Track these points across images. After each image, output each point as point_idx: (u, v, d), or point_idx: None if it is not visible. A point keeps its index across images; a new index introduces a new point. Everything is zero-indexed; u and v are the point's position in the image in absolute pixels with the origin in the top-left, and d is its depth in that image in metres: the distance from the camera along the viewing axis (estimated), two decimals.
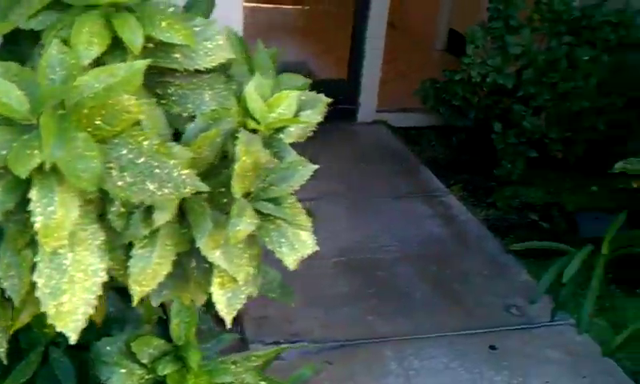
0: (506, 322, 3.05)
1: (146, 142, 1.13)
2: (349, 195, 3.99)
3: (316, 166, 1.40)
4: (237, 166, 1.24)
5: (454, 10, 6.47)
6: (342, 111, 5.04)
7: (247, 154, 1.25)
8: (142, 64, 1.13)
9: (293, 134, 1.48)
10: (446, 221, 3.82)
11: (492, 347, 2.88)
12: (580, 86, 3.79)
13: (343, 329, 2.88)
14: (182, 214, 1.27)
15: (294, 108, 1.46)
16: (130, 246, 1.21)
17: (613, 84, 3.91)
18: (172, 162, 1.13)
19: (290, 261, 1.32)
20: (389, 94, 5.23)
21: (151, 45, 1.28)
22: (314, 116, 1.53)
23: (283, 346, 2.71)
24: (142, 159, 1.12)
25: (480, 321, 3.03)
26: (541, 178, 4.31)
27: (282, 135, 1.46)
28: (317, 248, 1.38)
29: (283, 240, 1.32)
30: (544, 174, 4.35)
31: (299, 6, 8.29)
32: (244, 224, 1.23)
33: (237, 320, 2.81)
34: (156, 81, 1.32)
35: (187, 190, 1.13)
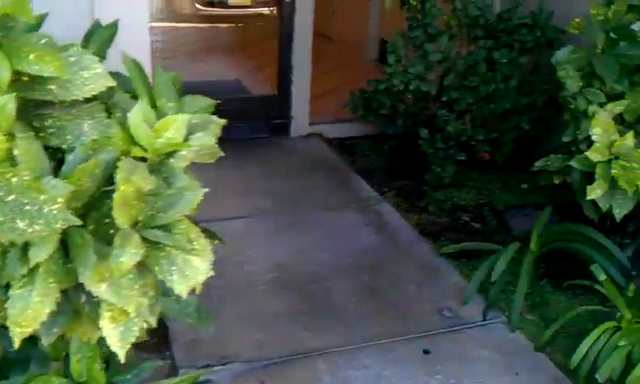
0: (439, 325, 3.08)
1: (15, 179, 1.11)
2: (282, 210, 3.99)
3: (205, 190, 1.38)
4: (116, 195, 1.22)
5: (382, 19, 6.55)
6: (275, 126, 5.05)
7: (127, 183, 1.23)
8: (5, 100, 1.11)
9: (185, 157, 1.46)
10: (380, 229, 3.85)
11: (426, 351, 2.90)
12: (501, 88, 3.87)
13: (277, 346, 2.86)
14: (66, 248, 1.24)
15: (184, 132, 1.44)
16: (9, 286, 1.18)
17: (533, 84, 4.02)
18: (42, 197, 1.10)
19: (182, 289, 1.31)
20: (324, 106, 5.27)
21: (26, 78, 1.26)
22: (207, 138, 1.52)
23: (215, 368, 2.70)
24: (12, 197, 1.10)
25: (413, 326, 3.06)
26: (472, 180, 4.39)
27: (172, 160, 1.44)
28: (211, 273, 1.37)
29: (174, 268, 1.30)
30: (475, 175, 4.43)
31: (233, 24, 8.30)
32: (128, 255, 1.21)
33: (166, 345, 2.78)
34: (33, 114, 1.29)
35: (59, 226, 1.10)
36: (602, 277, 2.88)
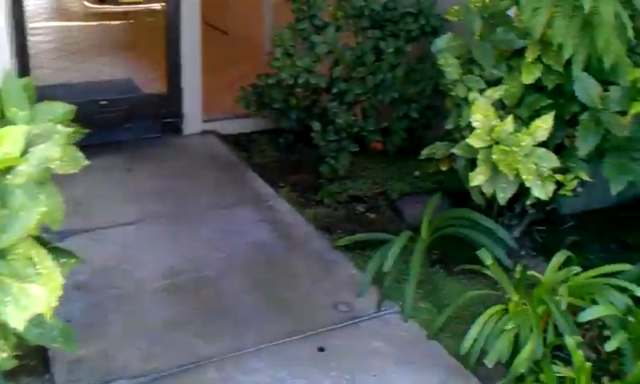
0: (335, 320, 3.05)
1: None
2: (174, 212, 3.85)
3: (43, 209, 1.27)
4: None
5: (276, 12, 6.47)
6: (167, 125, 4.88)
7: None
8: None
9: (23, 173, 1.34)
10: (275, 225, 3.78)
11: (320, 349, 2.86)
12: (388, 78, 3.89)
13: (167, 358, 2.74)
14: None
15: (21, 145, 1.32)
16: None
17: (420, 72, 4.05)
18: None
19: (17, 322, 1.19)
20: (219, 102, 5.14)
21: None
22: (50, 149, 1.40)
23: None
24: None
25: (308, 323, 3.01)
26: (367, 170, 4.39)
27: (9, 177, 1.31)
28: (54, 304, 1.25)
29: (8, 298, 1.18)
30: (370, 165, 4.44)
31: (125, 21, 8.02)
32: None
33: (45, 366, 2.62)
34: None
35: None
36: (489, 261, 2.92)
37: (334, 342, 2.90)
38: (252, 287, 3.24)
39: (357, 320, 3.07)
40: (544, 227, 3.68)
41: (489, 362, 2.58)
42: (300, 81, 3.93)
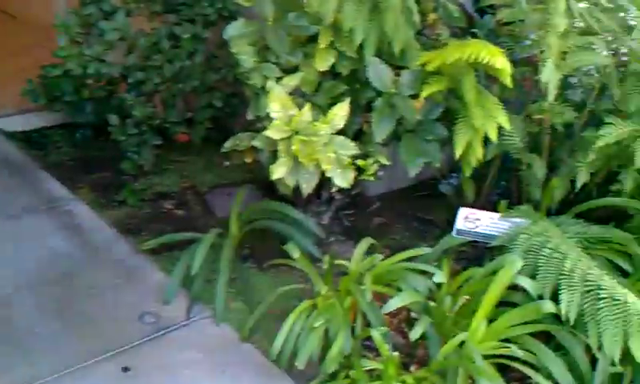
0: (141, 334, 2.82)
1: None
2: None
3: None
4: None
5: None
6: None
7: None
8: None
9: None
10: (71, 232, 3.44)
11: (125, 369, 2.63)
12: (186, 66, 3.67)
13: None
14: None
15: None
16: None
17: (221, 58, 3.87)
18: None
19: None
20: (5, 96, 4.60)
21: None
22: None
23: None
24: None
25: (112, 341, 2.75)
26: (174, 163, 4.15)
27: None
28: None
29: None
30: (178, 158, 4.20)
31: None
32: None
33: None
34: None
35: None
36: (296, 254, 2.85)
37: (140, 359, 2.69)
38: (46, 306, 2.91)
39: (165, 331, 2.87)
40: (352, 211, 3.69)
41: (299, 363, 2.50)
42: (90, 71, 3.59)
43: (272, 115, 2.77)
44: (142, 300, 3.03)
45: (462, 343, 2.41)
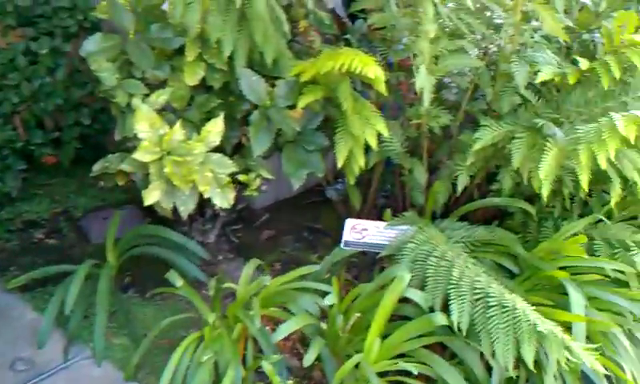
0: None
1: None
2: None
3: None
4: None
5: None
6: None
7: None
8: None
9: None
10: None
11: None
12: (47, 83, 3.38)
13: None
14: None
15: None
16: None
17: (86, 73, 3.59)
18: None
19: None
20: None
21: None
22: None
23: None
24: None
25: None
26: (44, 187, 3.85)
27: None
28: None
29: None
30: (48, 181, 3.89)
31: None
32: None
33: None
34: None
35: None
36: (179, 283, 2.68)
37: None
38: None
39: (40, 378, 2.63)
40: (240, 226, 3.55)
41: None
42: None
43: (140, 136, 2.57)
44: (13, 345, 2.78)
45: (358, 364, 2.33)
